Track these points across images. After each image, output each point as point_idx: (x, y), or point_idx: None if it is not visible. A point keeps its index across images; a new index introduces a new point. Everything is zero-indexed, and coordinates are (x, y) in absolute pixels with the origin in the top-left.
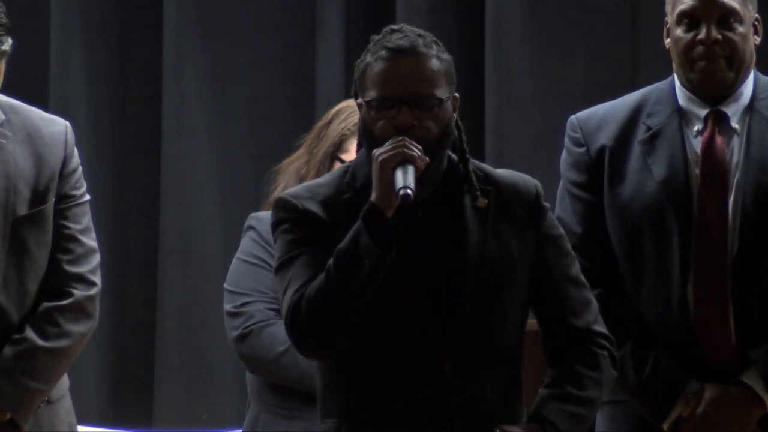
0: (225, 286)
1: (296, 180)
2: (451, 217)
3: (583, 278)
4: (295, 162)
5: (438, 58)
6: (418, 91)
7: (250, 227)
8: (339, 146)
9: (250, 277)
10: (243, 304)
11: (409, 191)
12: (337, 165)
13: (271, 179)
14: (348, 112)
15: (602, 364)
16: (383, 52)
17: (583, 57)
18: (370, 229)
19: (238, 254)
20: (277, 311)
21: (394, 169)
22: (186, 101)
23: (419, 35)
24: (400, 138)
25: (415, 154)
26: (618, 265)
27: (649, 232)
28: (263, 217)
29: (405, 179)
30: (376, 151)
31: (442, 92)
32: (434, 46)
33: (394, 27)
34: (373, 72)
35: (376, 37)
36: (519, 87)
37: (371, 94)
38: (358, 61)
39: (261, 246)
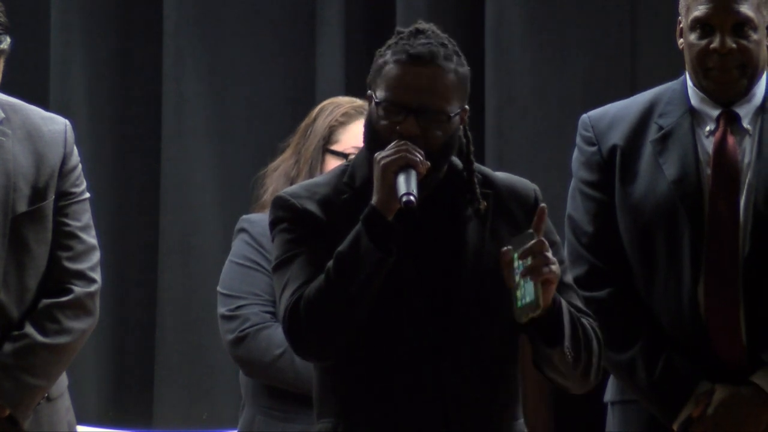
0: (218, 289)
1: (286, 182)
2: (449, 219)
3: (576, 287)
4: (282, 165)
5: (455, 72)
6: (427, 103)
7: (242, 230)
8: (329, 138)
9: (244, 280)
10: (238, 308)
11: (412, 198)
12: (329, 158)
13: (259, 183)
14: (332, 107)
15: (599, 335)
16: (403, 56)
17: (583, 57)
18: (371, 233)
19: (231, 257)
20: (273, 314)
21: (396, 174)
22: (186, 101)
23: (442, 44)
24: (403, 142)
25: (417, 159)
26: (629, 265)
27: (660, 232)
28: (255, 219)
29: (408, 185)
30: (378, 155)
31: (452, 108)
32: (454, 58)
33: (420, 28)
34: (389, 74)
35: (402, 32)
36: (519, 87)
37: (382, 94)
38: (379, 51)
39: (254, 248)
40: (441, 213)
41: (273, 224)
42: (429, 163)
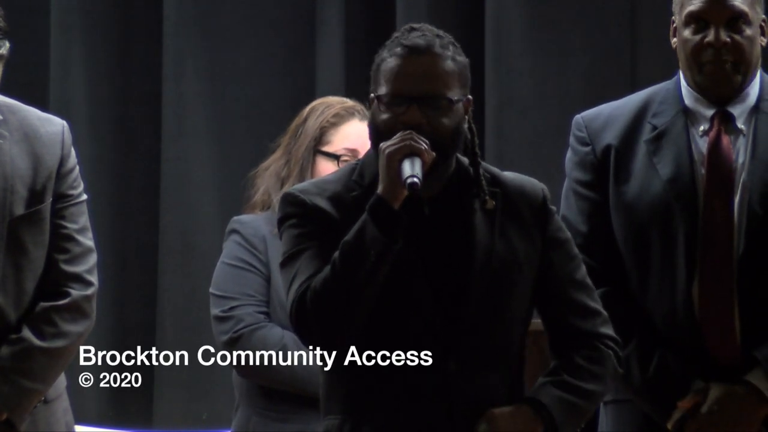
0: (211, 290)
1: (277, 182)
2: (458, 217)
3: (589, 281)
4: (273, 165)
5: (453, 60)
6: (428, 90)
7: (234, 231)
8: (319, 139)
9: (236, 281)
10: (231, 308)
11: (416, 179)
12: (320, 159)
13: (250, 184)
14: (323, 108)
15: (605, 360)
16: (399, 49)
17: (583, 57)
18: (377, 221)
19: (223, 258)
20: (267, 314)
21: (400, 162)
22: (186, 101)
23: (437, 35)
24: (408, 132)
25: (422, 147)
26: (623, 264)
27: (654, 231)
28: (246, 220)
29: (412, 169)
30: (383, 144)
31: (453, 94)
32: (451, 48)
33: (414, 25)
34: (387, 68)
35: (396, 34)
36: (519, 87)
37: (382, 89)
38: (376, 56)
39: (246, 249)
40: (450, 211)
41: (282, 221)
42: (434, 153)
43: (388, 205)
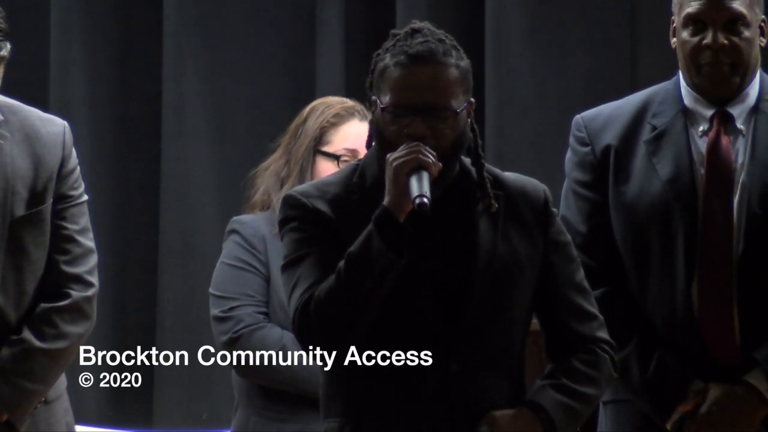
0: (211, 290)
1: (276, 182)
2: (460, 219)
3: (587, 285)
4: (272, 165)
5: (456, 67)
6: (433, 102)
7: (233, 231)
8: (320, 139)
9: (236, 281)
10: (231, 309)
11: (425, 200)
12: (320, 159)
13: (249, 184)
14: (323, 108)
15: (601, 365)
16: (402, 58)
17: (583, 57)
18: (383, 234)
19: (223, 258)
20: (266, 314)
21: (408, 175)
22: (186, 101)
23: (440, 40)
24: (415, 144)
25: (430, 160)
26: (622, 264)
27: (654, 232)
28: (245, 220)
29: (420, 187)
30: (391, 156)
31: (457, 103)
32: (453, 53)
33: (416, 27)
34: (391, 77)
35: (397, 34)
36: (519, 87)
37: (386, 99)
38: (376, 54)
39: (245, 249)
40: (452, 213)
41: (282, 223)
42: (441, 164)
43: (395, 218)
